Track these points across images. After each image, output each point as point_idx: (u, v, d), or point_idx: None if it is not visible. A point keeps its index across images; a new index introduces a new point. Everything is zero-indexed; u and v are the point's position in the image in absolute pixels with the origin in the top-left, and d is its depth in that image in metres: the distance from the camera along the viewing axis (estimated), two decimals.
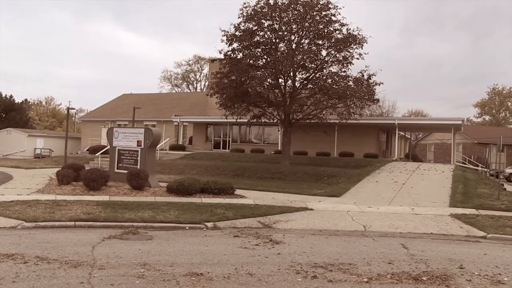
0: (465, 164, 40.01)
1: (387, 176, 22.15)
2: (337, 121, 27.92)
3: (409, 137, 51.29)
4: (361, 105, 26.54)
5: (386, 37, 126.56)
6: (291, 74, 25.63)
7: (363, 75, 25.13)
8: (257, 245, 8.64)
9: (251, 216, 12.10)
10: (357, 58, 24.74)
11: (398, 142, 36.25)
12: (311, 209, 13.77)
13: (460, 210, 14.01)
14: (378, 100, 26.66)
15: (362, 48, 24.57)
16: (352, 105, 25.96)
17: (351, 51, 24.69)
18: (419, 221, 12.29)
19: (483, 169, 33.71)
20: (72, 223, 10.33)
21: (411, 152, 45.84)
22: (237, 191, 16.41)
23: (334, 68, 25.64)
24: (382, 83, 25.21)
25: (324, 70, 25.71)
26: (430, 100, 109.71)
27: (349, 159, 28.86)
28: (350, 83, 24.78)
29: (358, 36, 24.38)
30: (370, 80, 24.97)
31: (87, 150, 40.64)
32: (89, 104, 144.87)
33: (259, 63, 25.73)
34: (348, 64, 25.09)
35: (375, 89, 25.07)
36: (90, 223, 10.39)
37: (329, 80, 25.00)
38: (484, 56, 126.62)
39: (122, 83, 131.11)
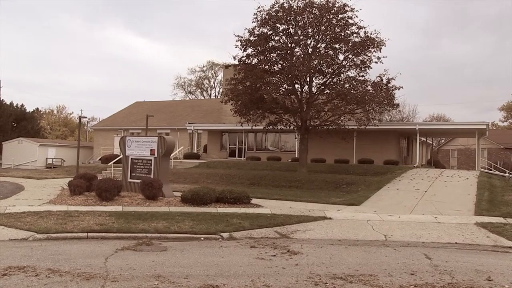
0: (491, 170, 39.32)
1: (408, 184, 21.91)
2: (355, 127, 27.77)
3: (431, 142, 50.75)
4: (380, 110, 26.41)
5: (406, 39, 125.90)
6: (308, 79, 25.61)
7: (382, 79, 25.03)
8: (274, 256, 8.58)
9: (268, 226, 12.05)
10: (376, 62, 24.71)
11: (419, 148, 35.87)
12: (330, 218, 13.67)
13: (486, 219, 13.74)
14: (397, 105, 26.46)
15: (380, 51, 24.54)
16: (371, 110, 25.83)
17: (369, 54, 24.65)
18: (443, 230, 12.09)
19: (510, 175, 33.12)
20: (85, 234, 10.39)
21: (433, 159, 45.25)
22: (253, 200, 16.35)
23: (351, 73, 25.67)
24: (402, 87, 25.13)
25: (342, 75, 25.67)
26: (452, 104, 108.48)
27: (369, 166, 28.65)
28: (369, 87, 24.69)
29: (376, 39, 24.30)
30: (389, 84, 24.85)
31: (100, 159, 41.05)
32: (101, 112, 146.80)
33: (274, 69, 25.78)
34: (366, 68, 25.03)
35: (394, 93, 24.96)
36: (103, 234, 10.44)
37: (347, 85, 24.93)
38: (510, 57, 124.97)
39: (135, 91, 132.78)
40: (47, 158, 46.94)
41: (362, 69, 25.04)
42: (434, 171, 27.63)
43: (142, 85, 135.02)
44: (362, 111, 25.73)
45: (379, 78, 25.09)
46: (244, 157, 38.28)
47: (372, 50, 24.46)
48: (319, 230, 11.90)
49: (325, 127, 26.49)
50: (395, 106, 26.08)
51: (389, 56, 25.11)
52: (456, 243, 10.66)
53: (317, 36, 25.07)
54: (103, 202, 15.00)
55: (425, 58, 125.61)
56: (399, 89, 25.00)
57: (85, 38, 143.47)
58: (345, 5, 24.40)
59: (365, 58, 24.77)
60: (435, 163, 41.88)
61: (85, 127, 78.90)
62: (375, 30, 24.67)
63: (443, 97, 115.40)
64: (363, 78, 25.07)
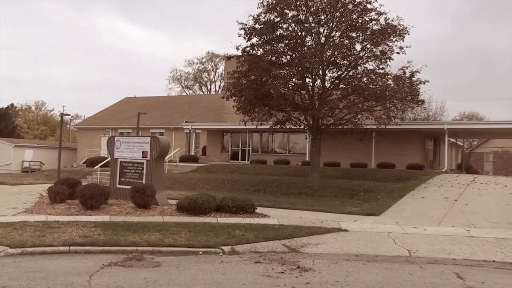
0: None
1: (435, 191, 21.81)
2: (374, 127, 27.68)
3: (462, 144, 50.52)
4: (402, 108, 26.26)
5: (433, 26, 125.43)
6: (320, 72, 25.55)
7: (404, 72, 24.93)
8: (282, 272, 8.53)
9: (275, 238, 12.05)
10: (398, 53, 24.60)
11: (448, 151, 35.74)
12: (345, 230, 13.63)
13: None
14: (423, 102, 26.33)
15: (403, 41, 24.43)
16: (392, 107, 25.73)
17: (390, 44, 24.55)
18: (477, 245, 11.98)
19: None
20: (66, 248, 10.36)
21: (464, 163, 45.08)
22: (259, 209, 16.34)
23: (370, 65, 25.56)
24: (428, 81, 25.00)
25: (359, 67, 25.61)
26: (487, 100, 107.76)
27: (389, 171, 28.56)
28: (390, 81, 24.60)
29: (399, 26, 24.22)
30: (413, 78, 24.74)
31: (84, 162, 41.18)
32: (87, 109, 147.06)
33: (282, 60, 25.75)
34: (387, 60, 24.92)
35: (419, 88, 24.82)
36: (87, 247, 10.42)
37: (365, 79, 24.87)
38: None
39: (125, 85, 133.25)
40: (23, 161, 46.97)
41: (382, 60, 24.92)
42: (466, 177, 27.47)
43: (134, 78, 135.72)
44: (382, 108, 25.62)
45: (402, 71, 24.99)
46: (248, 160, 38.28)
47: (394, 39, 24.36)
48: (333, 243, 11.86)
49: (339, 127, 26.41)
50: (419, 103, 25.95)
51: (413, 46, 25.00)
52: (493, 261, 10.52)
53: (331, 24, 25.02)
54: (88, 211, 14.98)
55: (456, 48, 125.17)
56: (424, 83, 24.89)
57: (70, 25, 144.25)
58: None
59: (385, 48, 24.67)
60: (466, 168, 41.68)
61: (68, 125, 79.23)
62: (397, 16, 24.57)
63: (476, 93, 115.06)
64: (383, 71, 24.98)
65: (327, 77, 26.04)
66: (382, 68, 25.10)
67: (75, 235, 11.42)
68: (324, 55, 23.90)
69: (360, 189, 23.20)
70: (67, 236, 11.29)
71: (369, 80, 24.65)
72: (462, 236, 13.09)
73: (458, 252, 11.20)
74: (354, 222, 14.99)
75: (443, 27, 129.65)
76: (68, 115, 43.04)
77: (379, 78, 24.61)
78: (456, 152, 49.63)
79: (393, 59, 24.95)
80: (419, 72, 24.89)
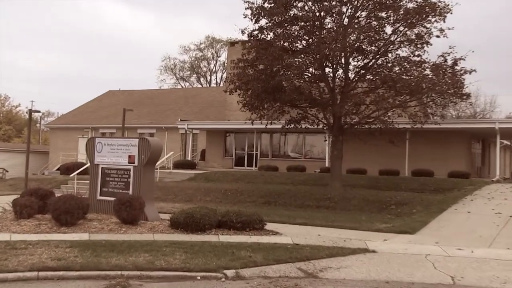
0: None
1: (484, 205, 21.68)
2: (408, 126, 27.62)
3: None
4: (443, 103, 26.13)
5: (483, 2, 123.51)
6: (342, 61, 25.56)
7: (445, 60, 24.79)
8: None
9: (289, 260, 12.01)
10: (437, 36, 24.47)
11: (500, 155, 35.44)
12: (373, 251, 13.57)
13: None
14: (468, 95, 26.20)
15: (444, 21, 24.27)
16: (430, 102, 25.63)
17: (428, 26, 24.45)
18: None
19: None
20: (35, 273, 10.28)
21: None
22: (269, 225, 16.28)
23: (403, 51, 25.54)
24: (475, 70, 24.77)
25: (389, 55, 25.60)
26: None
27: (427, 180, 28.45)
28: (427, 71, 24.54)
29: (439, 3, 24.11)
30: (456, 67, 24.64)
31: (58, 169, 41.29)
32: (61, 105, 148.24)
33: (297, 46, 25.76)
34: (424, 45, 24.81)
35: (463, 79, 24.64)
36: (60, 273, 10.34)
37: (397, 68, 24.85)
38: None
39: (108, 76, 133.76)
40: None
41: (418, 46, 24.83)
42: None
43: (118, 68, 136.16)
44: (417, 103, 25.52)
45: (442, 59, 24.85)
46: (256, 166, 38.32)
47: (433, 20, 24.23)
48: (359, 267, 11.78)
49: (366, 126, 26.34)
50: (464, 97, 25.81)
51: (457, 27, 24.68)
52: None
53: (356, 2, 24.99)
54: (62, 228, 14.90)
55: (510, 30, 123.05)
56: (470, 73, 24.70)
57: (41, 3, 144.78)
58: None
59: (422, 31, 24.54)
60: None
61: (38, 124, 79.42)
62: None
63: None
64: (419, 58, 24.90)
65: (350, 67, 26.10)
66: (418, 55, 25.00)
67: (46, 257, 11.33)
68: (348, 39, 23.86)
69: (391, 201, 23.12)
70: (36, 259, 11.19)
71: (402, 69, 24.61)
72: None
73: None
74: (384, 242, 14.91)
75: (495, 3, 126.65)
76: (38, 112, 43.02)
77: (414, 67, 24.53)
78: (510, 157, 49.28)
79: (431, 44, 24.84)
80: (464, 60, 24.74)
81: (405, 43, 25.04)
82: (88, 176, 19.86)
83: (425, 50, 25.06)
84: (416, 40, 24.74)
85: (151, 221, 16.47)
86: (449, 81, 24.24)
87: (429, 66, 24.71)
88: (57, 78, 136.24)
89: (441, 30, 24.33)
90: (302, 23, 25.20)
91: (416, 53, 25.03)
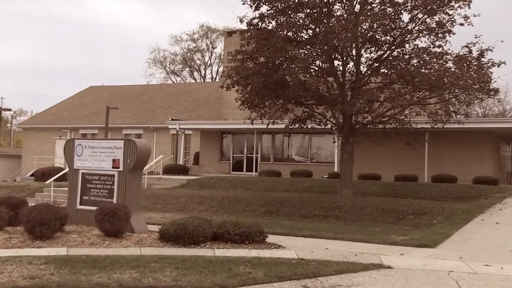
0: None
1: None
2: (428, 126, 27.63)
3: None
4: (467, 100, 26.01)
5: None
6: (353, 52, 25.56)
7: (470, 51, 24.70)
8: None
9: (293, 277, 11.93)
10: (461, 24, 24.40)
11: None
12: (389, 267, 13.47)
13: None
14: (496, 91, 25.97)
15: (469, 7, 24.21)
16: (453, 99, 25.53)
17: (450, 12, 24.41)
18: None
19: None
20: None
21: None
22: (271, 238, 16.25)
23: (422, 42, 25.45)
24: (504, 62, 24.71)
25: (406, 45, 25.57)
26: None
27: (449, 187, 28.47)
28: (449, 64, 24.45)
29: None
30: (482, 59, 24.54)
31: (32, 175, 41.26)
32: (36, 103, 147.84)
33: (302, 37, 25.82)
34: (446, 35, 24.74)
35: (491, 72, 24.53)
36: None
37: (415, 61, 24.77)
38: None
39: (89, 70, 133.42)
40: None
41: (439, 35, 24.74)
42: None
43: (101, 61, 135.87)
44: (438, 100, 25.46)
45: (467, 50, 24.73)
46: (256, 171, 38.24)
47: (456, 5, 24.20)
48: (373, 285, 11.72)
49: (380, 126, 26.37)
50: (492, 93, 25.65)
51: (484, 13, 24.57)
52: None
53: None
54: (36, 242, 14.81)
55: None
56: (499, 65, 24.58)
57: None
58: None
59: (443, 18, 24.48)
60: None
61: (9, 124, 79.34)
62: None
63: None
64: (440, 49, 24.80)
65: (362, 59, 26.08)
66: (439, 46, 24.89)
67: (17, 276, 11.22)
68: (359, 28, 23.84)
69: (408, 210, 23.12)
70: (6, 278, 11.09)
71: (421, 62, 24.49)
72: None
73: None
74: (401, 256, 14.86)
75: None
76: (9, 110, 43.22)
77: (434, 60, 24.40)
78: None
79: (454, 33, 24.73)
80: (491, 51, 24.62)
81: (425, 32, 24.98)
82: (67, 183, 19.89)
83: (447, 40, 24.98)
84: (437, 29, 24.64)
85: (138, 233, 16.43)
86: (475, 75, 24.03)
87: (452, 58, 24.59)
88: (31, 71, 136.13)
89: (466, 17, 24.24)
90: (308, 10, 25.24)
91: (437, 43, 24.96)
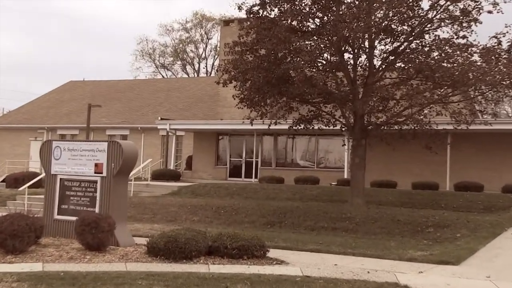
0: None
1: None
2: (450, 127, 27.62)
3: None
4: (496, 97, 26.00)
5: None
6: (366, 44, 25.60)
7: (499, 43, 24.60)
8: None
9: None
10: (489, 12, 24.28)
11: None
12: (406, 286, 13.38)
13: None
14: None
15: None
16: (479, 97, 25.50)
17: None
18: None
19: None
20: None
21: None
22: (272, 252, 16.20)
23: (444, 32, 25.49)
24: None
25: (426, 36, 25.60)
26: None
27: (474, 196, 28.46)
28: (475, 57, 24.40)
29: None
30: None
31: (3, 180, 41.14)
32: (8, 100, 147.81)
33: (308, 26, 25.87)
34: (471, 24, 24.70)
35: None
36: None
37: (435, 54, 24.78)
38: None
39: (69, 63, 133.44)
40: None
41: (464, 25, 24.72)
42: None
43: (81, 53, 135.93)
44: (462, 98, 25.48)
45: (495, 41, 24.61)
46: (256, 177, 38.36)
47: None
48: None
49: (395, 127, 26.41)
50: None
51: None
52: None
53: None
54: (8, 257, 14.80)
55: None
56: None
57: None
58: None
59: (469, 5, 24.44)
60: None
61: None
62: None
63: None
64: (464, 41, 24.74)
65: (376, 52, 26.16)
66: (464, 37, 24.78)
67: None
68: (373, 17, 23.90)
69: (428, 223, 23.10)
70: None
71: (443, 55, 24.45)
72: None
73: None
74: (420, 274, 14.79)
75: None
76: None
77: (458, 52, 24.28)
78: None
79: (481, 22, 24.64)
80: None
81: (447, 21, 24.98)
82: (43, 190, 19.84)
83: (472, 30, 24.92)
84: (461, 17, 24.58)
85: (123, 246, 16.42)
86: (504, 69, 23.90)
87: (478, 51, 24.45)
88: (4, 64, 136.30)
89: (495, 4, 24.09)
90: None
91: (461, 34, 24.83)
